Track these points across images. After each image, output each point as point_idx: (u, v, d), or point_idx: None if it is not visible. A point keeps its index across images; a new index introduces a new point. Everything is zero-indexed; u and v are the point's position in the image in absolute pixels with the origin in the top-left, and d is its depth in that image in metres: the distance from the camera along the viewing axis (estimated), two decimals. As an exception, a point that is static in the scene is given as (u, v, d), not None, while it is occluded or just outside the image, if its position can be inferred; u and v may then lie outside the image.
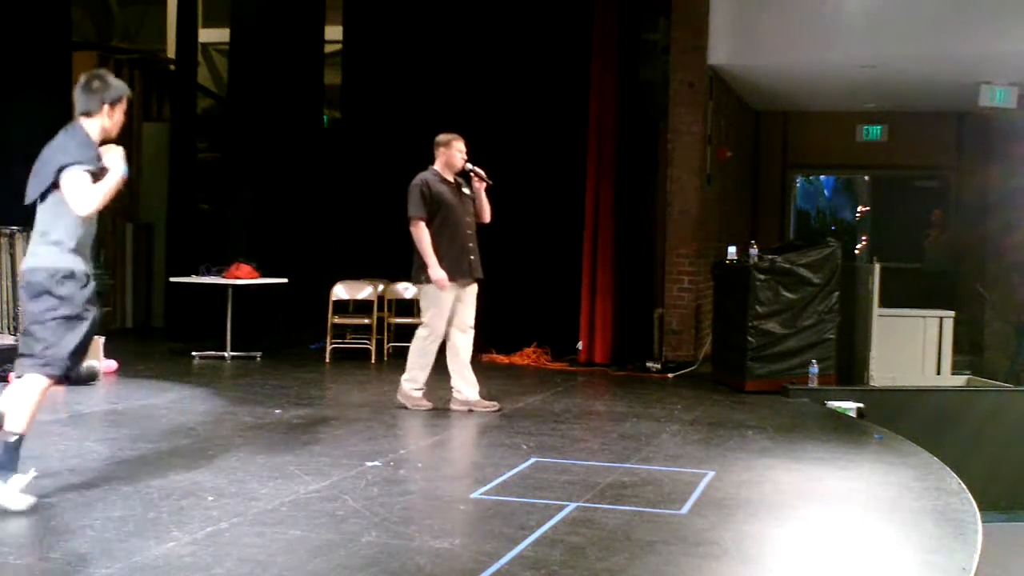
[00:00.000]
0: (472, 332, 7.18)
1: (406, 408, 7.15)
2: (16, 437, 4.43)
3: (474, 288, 7.17)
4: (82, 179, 4.45)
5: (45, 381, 4.48)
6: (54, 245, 4.51)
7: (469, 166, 7.14)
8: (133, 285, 12.74)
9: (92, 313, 4.58)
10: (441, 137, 7.16)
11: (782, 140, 13.92)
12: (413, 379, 7.17)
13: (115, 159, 4.58)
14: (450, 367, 7.19)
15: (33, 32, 10.03)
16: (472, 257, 7.07)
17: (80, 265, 4.55)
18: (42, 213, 4.57)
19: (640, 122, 10.39)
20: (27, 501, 4.36)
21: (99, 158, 4.56)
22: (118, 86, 4.72)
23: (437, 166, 7.13)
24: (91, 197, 4.45)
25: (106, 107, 4.65)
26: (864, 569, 3.94)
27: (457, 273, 7.01)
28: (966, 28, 9.41)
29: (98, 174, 4.51)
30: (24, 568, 3.66)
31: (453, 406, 7.17)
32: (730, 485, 5.17)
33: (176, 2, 12.16)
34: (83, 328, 4.53)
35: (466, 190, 7.18)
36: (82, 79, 4.71)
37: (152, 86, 13.50)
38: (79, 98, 4.66)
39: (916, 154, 13.42)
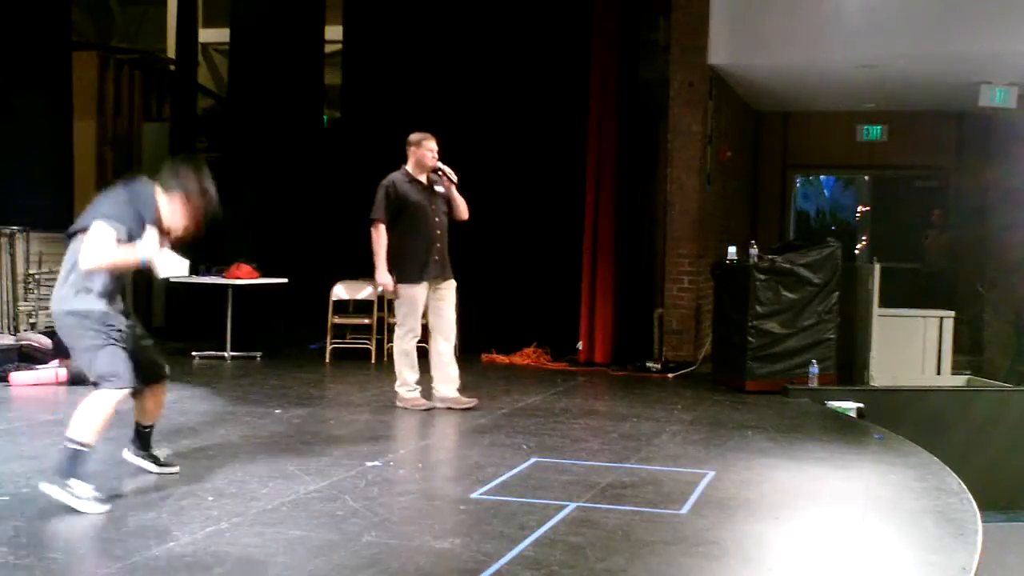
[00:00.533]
0: (454, 331, 7.23)
1: (406, 409, 7.16)
2: (81, 448, 4.34)
3: (450, 284, 7.19)
4: (105, 235, 4.35)
5: (110, 393, 4.41)
6: (72, 287, 4.45)
7: (438, 165, 7.17)
8: (133, 285, 12.68)
9: (116, 332, 4.49)
10: (413, 136, 7.20)
11: (782, 140, 13.91)
12: (404, 381, 7.20)
13: (150, 242, 4.45)
14: (432, 371, 7.25)
15: (33, 32, 10.02)
16: (436, 258, 7.09)
17: (98, 306, 4.46)
18: (69, 253, 4.50)
19: (640, 122, 10.37)
20: (101, 508, 4.29)
21: (144, 225, 4.46)
22: (190, 187, 4.57)
23: (408, 166, 7.17)
24: (99, 256, 4.35)
25: (175, 194, 4.56)
26: (864, 569, 3.94)
27: (425, 272, 7.05)
28: (966, 28, 9.40)
29: (125, 242, 4.40)
30: (24, 568, 3.66)
31: (434, 403, 7.21)
32: (730, 485, 5.17)
33: (176, 2, 12.17)
34: (117, 347, 4.46)
35: (440, 188, 7.20)
36: (179, 162, 4.67)
37: (152, 86, 13.50)
38: (166, 170, 4.61)
39: (916, 154, 13.42)
